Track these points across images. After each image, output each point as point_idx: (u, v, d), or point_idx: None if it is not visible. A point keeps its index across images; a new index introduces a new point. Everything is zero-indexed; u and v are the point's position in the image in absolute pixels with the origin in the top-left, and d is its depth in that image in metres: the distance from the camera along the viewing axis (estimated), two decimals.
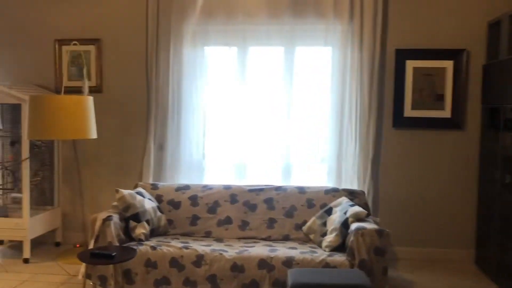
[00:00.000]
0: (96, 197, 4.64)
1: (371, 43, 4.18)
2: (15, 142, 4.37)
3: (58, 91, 4.58)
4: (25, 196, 4.08)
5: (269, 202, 3.86)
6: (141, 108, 4.55)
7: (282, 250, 3.35)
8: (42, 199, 4.57)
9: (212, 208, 3.85)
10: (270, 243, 3.60)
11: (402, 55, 4.24)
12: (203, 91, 4.45)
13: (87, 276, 3.31)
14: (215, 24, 4.35)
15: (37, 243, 4.60)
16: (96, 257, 2.94)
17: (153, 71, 4.43)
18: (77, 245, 4.56)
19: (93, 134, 3.15)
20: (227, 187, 3.95)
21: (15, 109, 4.41)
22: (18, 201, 4.36)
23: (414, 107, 4.26)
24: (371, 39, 4.18)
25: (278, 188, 3.94)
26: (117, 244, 3.34)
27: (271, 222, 3.79)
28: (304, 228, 3.72)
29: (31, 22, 4.62)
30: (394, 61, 4.27)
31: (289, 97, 4.34)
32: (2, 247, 4.59)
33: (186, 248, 3.33)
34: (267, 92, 4.42)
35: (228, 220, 3.81)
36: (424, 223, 4.34)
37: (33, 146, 4.31)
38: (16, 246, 4.50)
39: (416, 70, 4.23)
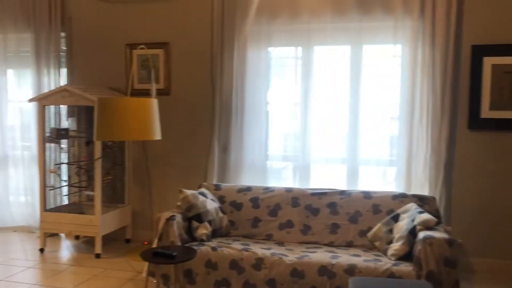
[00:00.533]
0: (164, 196, 4.77)
1: (444, 39, 3.92)
2: (90, 142, 4.61)
3: (130, 94, 4.77)
4: (97, 194, 4.28)
5: (332, 206, 3.74)
6: (206, 110, 4.62)
7: (345, 257, 3.23)
8: (114, 197, 4.78)
9: (273, 211, 3.80)
10: (333, 249, 3.49)
11: (479, 51, 3.93)
12: (266, 92, 4.43)
13: (151, 274, 3.40)
14: (279, 24, 4.31)
15: (109, 239, 4.82)
16: (158, 256, 3.00)
17: (218, 73, 4.47)
18: (145, 243, 4.72)
19: (157, 136, 3.23)
20: (289, 190, 3.89)
21: (89, 111, 4.66)
22: (92, 199, 4.59)
23: (492, 107, 3.93)
24: (444, 35, 3.92)
25: (342, 192, 3.81)
26: (179, 243, 3.40)
27: (334, 227, 3.67)
28: (369, 234, 3.56)
29: (104, 28, 4.84)
30: (469, 58, 3.97)
31: (356, 97, 4.20)
32: (78, 242, 4.86)
33: (246, 250, 3.31)
34: (332, 92, 4.30)
35: (289, 224, 3.74)
36: (504, 233, 4.00)
37: (105, 146, 4.53)
38: (90, 242, 4.75)
39: (495, 67, 3.90)
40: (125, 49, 4.77)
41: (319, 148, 4.35)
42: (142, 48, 4.44)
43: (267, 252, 3.29)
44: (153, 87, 4.27)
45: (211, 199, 3.78)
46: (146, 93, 4.61)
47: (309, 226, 3.71)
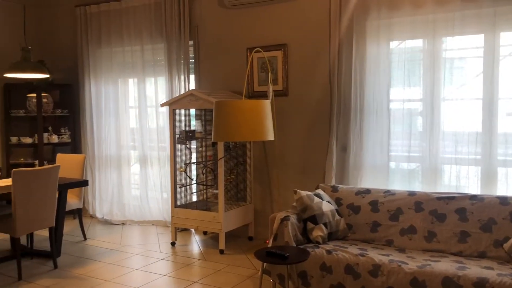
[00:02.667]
0: (283, 195, 4.82)
1: None
2: (215, 143, 4.85)
3: (250, 97, 4.92)
4: (221, 192, 4.49)
5: (461, 212, 3.40)
6: (324, 110, 4.54)
7: (474, 269, 2.90)
8: (237, 195, 4.97)
9: (395, 216, 3.58)
10: (461, 259, 3.16)
11: None
12: (388, 88, 4.20)
13: (267, 273, 3.45)
14: (400, 16, 4.05)
15: (233, 236, 5.02)
16: (271, 256, 3.04)
17: (335, 71, 4.37)
18: (267, 241, 4.81)
19: (270, 136, 3.26)
20: (412, 194, 3.63)
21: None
22: (217, 197, 4.83)
23: None
24: None
25: (473, 197, 3.44)
26: (294, 244, 3.39)
27: (463, 236, 3.33)
28: (506, 245, 3.15)
29: (227, 34, 5.06)
30: None
31: (491, 91, 3.76)
32: (206, 237, 5.16)
33: (363, 255, 3.17)
34: (462, 87, 3.91)
35: (411, 229, 3.49)
36: None
37: (227, 146, 4.73)
38: (215, 237, 5.00)
39: None
40: (246, 53, 4.92)
41: (447, 148, 3.99)
42: (258, 51, 4.54)
43: (385, 259, 3.11)
44: (270, 89, 4.34)
45: (327, 201, 3.70)
46: (265, 95, 4.70)
47: (434, 233, 3.42)
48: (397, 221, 3.56)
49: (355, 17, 4.24)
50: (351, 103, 4.32)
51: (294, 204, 3.66)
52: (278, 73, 4.73)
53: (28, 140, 5.99)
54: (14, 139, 5.98)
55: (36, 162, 5.96)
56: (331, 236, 3.60)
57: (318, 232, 3.50)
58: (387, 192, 3.72)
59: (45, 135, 6.02)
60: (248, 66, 4.78)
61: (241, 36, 4.97)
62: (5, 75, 4.67)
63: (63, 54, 6.34)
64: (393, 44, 4.17)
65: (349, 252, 3.24)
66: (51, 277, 3.97)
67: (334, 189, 3.92)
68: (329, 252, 3.27)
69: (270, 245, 3.45)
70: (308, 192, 3.67)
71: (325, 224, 3.54)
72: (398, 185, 4.22)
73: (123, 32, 5.64)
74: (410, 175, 4.21)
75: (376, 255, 3.18)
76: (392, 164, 4.28)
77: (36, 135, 5.93)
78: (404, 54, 4.14)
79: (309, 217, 3.55)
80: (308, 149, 4.67)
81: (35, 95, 5.91)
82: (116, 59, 5.77)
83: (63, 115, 6.19)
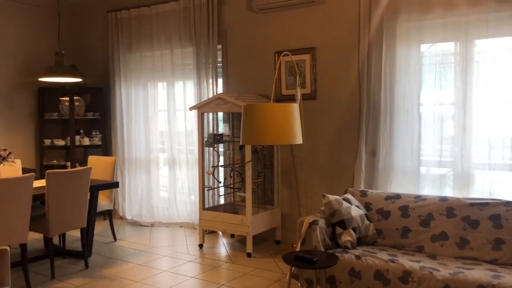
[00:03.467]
0: (311, 199, 4.80)
1: None
2: (242, 146, 4.87)
3: (277, 100, 4.92)
4: (248, 195, 4.50)
5: (495, 219, 3.31)
6: (353, 113, 4.50)
7: (510, 278, 2.82)
8: (265, 199, 4.97)
9: (425, 221, 3.52)
10: (495, 267, 3.08)
11: None
12: (419, 92, 4.13)
13: (294, 276, 3.43)
14: (432, 18, 3.99)
15: (260, 239, 5.03)
16: (299, 260, 3.02)
17: (365, 74, 4.33)
18: (294, 245, 4.79)
19: (298, 140, 3.25)
20: (443, 199, 3.56)
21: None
22: (244, 200, 4.84)
23: None
24: None
25: (508, 204, 3.34)
26: (322, 249, 3.37)
27: (498, 243, 3.24)
28: None
29: (255, 38, 5.08)
30: None
31: None
32: (233, 240, 5.17)
33: (393, 261, 3.13)
34: (497, 91, 3.81)
35: (443, 236, 3.42)
36: None
37: (255, 150, 4.74)
38: (243, 240, 5.01)
39: None
40: (274, 56, 4.92)
41: (480, 152, 3.90)
42: (287, 55, 4.54)
43: (416, 265, 3.05)
44: (298, 92, 4.33)
45: (356, 206, 3.66)
46: (293, 99, 4.69)
47: (467, 239, 3.34)
48: (428, 227, 3.49)
49: (385, 19, 4.19)
50: (381, 106, 4.27)
51: (323, 208, 3.64)
52: (306, 76, 4.72)
53: (60, 142, 6.14)
54: (47, 141, 6.14)
55: (68, 164, 6.10)
56: (360, 241, 3.56)
57: (347, 237, 3.47)
58: (418, 197, 3.66)
59: (77, 137, 6.16)
60: (276, 69, 4.79)
61: (269, 40, 4.98)
62: (40, 79, 4.81)
63: (95, 59, 6.48)
64: (424, 47, 4.10)
65: (379, 257, 3.20)
66: (82, 276, 4.06)
67: (363, 193, 3.87)
68: (358, 257, 3.23)
69: (298, 249, 3.43)
70: (337, 197, 3.64)
71: (354, 229, 3.51)
72: (429, 191, 4.15)
73: (153, 36, 5.73)
74: (441, 180, 4.13)
75: (407, 261, 3.12)
76: (423, 169, 4.21)
77: (68, 138, 6.08)
78: (435, 57, 4.06)
79: (337, 222, 3.52)
80: (337, 153, 4.64)
81: (67, 98, 6.06)
82: (146, 63, 5.87)
83: (94, 118, 6.33)
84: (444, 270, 2.98)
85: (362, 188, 4.33)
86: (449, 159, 4.05)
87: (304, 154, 4.74)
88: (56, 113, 6.20)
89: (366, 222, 3.61)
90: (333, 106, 4.63)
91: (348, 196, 3.77)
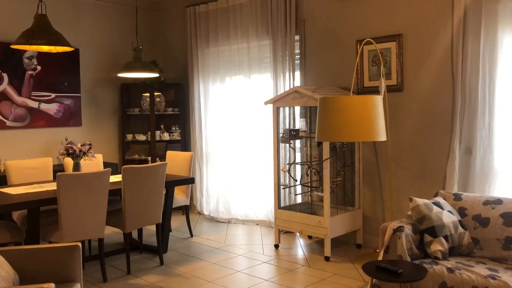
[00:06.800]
0: (397, 202, 4.40)
1: None
2: (321, 142, 4.57)
3: (359, 92, 4.57)
4: (326, 195, 4.21)
5: None
6: (445, 107, 4.03)
7: None
8: (345, 199, 4.65)
9: None
10: None
11: None
12: None
13: (376, 287, 3.11)
14: None
15: (339, 242, 4.71)
16: (382, 271, 2.71)
17: (459, 63, 3.85)
18: (377, 250, 4.43)
19: (381, 137, 2.91)
20: None
21: None
22: (322, 199, 4.56)
23: None
24: None
25: None
26: (408, 259, 3.01)
27: None
28: None
29: (335, 26, 4.75)
30: None
31: None
32: (310, 241, 4.91)
33: (493, 278, 2.69)
34: None
35: None
36: None
37: (333, 147, 4.43)
38: (321, 242, 4.73)
39: None
40: (356, 45, 4.57)
41: None
42: (369, 43, 4.16)
43: None
44: (382, 83, 3.94)
45: (449, 211, 3.24)
46: (377, 91, 4.32)
47: None
48: None
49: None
50: (478, 99, 3.77)
51: (409, 213, 3.26)
52: (392, 66, 4.31)
53: (142, 137, 6.27)
54: (129, 136, 6.29)
55: (149, 158, 6.20)
56: (453, 252, 3.13)
57: (437, 246, 3.07)
58: None
59: (157, 132, 6.24)
60: (357, 58, 4.43)
61: (350, 28, 4.63)
62: (118, 74, 4.88)
63: (175, 55, 6.53)
64: None
65: (476, 272, 2.78)
66: (157, 273, 4.04)
67: (457, 197, 3.42)
68: (450, 270, 2.83)
69: (380, 258, 3.10)
70: (426, 200, 3.24)
71: (445, 237, 3.10)
72: None
73: (229, 30, 5.62)
74: None
75: (511, 279, 2.67)
76: None
77: (149, 133, 6.18)
78: None
79: (426, 229, 3.12)
80: (426, 151, 4.19)
81: (148, 94, 6.15)
82: (223, 58, 5.78)
83: (174, 114, 6.38)
84: None
85: (455, 191, 3.86)
86: None
87: (388, 152, 4.35)
88: (138, 108, 6.32)
89: (460, 229, 3.17)
90: (423, 99, 4.18)
91: (439, 199, 3.35)
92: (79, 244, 2.74)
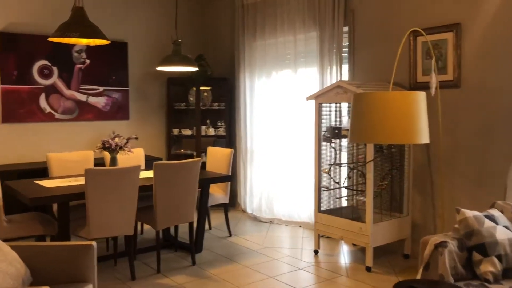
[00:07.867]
0: (450, 210, 3.95)
1: None
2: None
3: (411, 88, 4.15)
4: (369, 200, 3.86)
5: None
6: (510, 105, 3.53)
7: None
8: (391, 205, 4.26)
9: None
10: None
11: None
12: None
13: None
14: None
15: (385, 251, 4.34)
16: None
17: None
18: None
19: (423, 139, 2.54)
20: None
21: None
22: (365, 205, 4.21)
23: None
24: None
25: None
26: (451, 279, 2.62)
27: None
28: None
29: (386, 17, 4.36)
30: None
31: None
32: (354, 248, 4.57)
33: None
34: None
35: None
36: None
37: (380, 148, 4.06)
38: (364, 250, 4.38)
39: None
40: (409, 37, 4.15)
41: None
42: (420, 34, 3.73)
43: None
44: (433, 79, 3.49)
45: (504, 226, 2.79)
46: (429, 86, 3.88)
47: None
48: None
49: None
50: None
51: (457, 226, 2.86)
52: (448, 59, 3.86)
53: (187, 132, 6.20)
54: (175, 131, 6.25)
55: (194, 153, 6.12)
56: (508, 274, 2.69)
57: (488, 267, 2.65)
58: None
59: (203, 127, 6.14)
60: (400, 50, 4.01)
61: (404, 18, 4.21)
62: (157, 68, 4.79)
63: (223, 49, 6.39)
64: None
65: None
66: (186, 273, 3.90)
67: None
68: None
69: (419, 276, 2.73)
70: (477, 213, 2.82)
71: (498, 257, 2.67)
72: None
73: (276, 22, 5.37)
74: None
75: None
76: None
77: (194, 128, 6.09)
78: None
79: (475, 245, 2.71)
80: (486, 155, 3.71)
81: (195, 88, 6.06)
82: (270, 52, 5.54)
83: (220, 109, 6.25)
84: None
85: None
86: None
87: (443, 154, 3.91)
88: (184, 103, 6.25)
89: None
90: (483, 96, 3.70)
91: (494, 212, 2.91)
92: (93, 243, 2.64)
